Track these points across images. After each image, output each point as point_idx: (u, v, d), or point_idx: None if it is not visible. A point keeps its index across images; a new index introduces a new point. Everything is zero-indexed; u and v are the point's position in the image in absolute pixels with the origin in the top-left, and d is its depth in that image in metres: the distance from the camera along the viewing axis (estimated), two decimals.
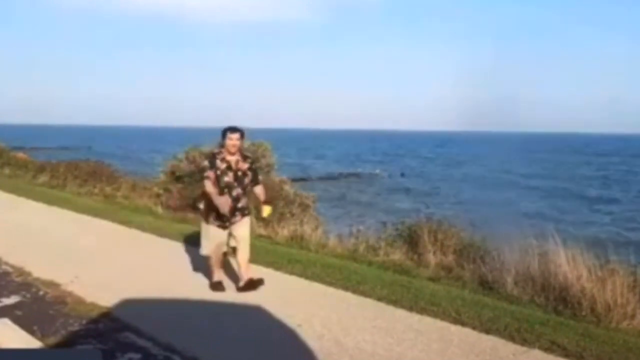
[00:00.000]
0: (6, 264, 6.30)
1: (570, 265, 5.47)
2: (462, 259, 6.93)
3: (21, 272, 5.96)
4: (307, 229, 8.24)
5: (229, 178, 5.18)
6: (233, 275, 5.71)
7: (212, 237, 5.28)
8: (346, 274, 6.00)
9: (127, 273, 6.07)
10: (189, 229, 8.73)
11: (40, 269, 5.97)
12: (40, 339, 4.05)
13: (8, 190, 12.96)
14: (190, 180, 10.65)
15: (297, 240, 7.95)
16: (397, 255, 7.21)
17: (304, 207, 10.87)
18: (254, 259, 6.60)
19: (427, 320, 4.70)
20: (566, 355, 4.01)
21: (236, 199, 5.20)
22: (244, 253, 5.32)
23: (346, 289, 5.53)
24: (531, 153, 69.72)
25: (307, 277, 5.93)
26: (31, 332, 4.14)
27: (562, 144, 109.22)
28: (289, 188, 11.05)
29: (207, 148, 10.95)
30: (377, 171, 44.04)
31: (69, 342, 4.08)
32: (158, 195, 11.28)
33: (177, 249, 7.38)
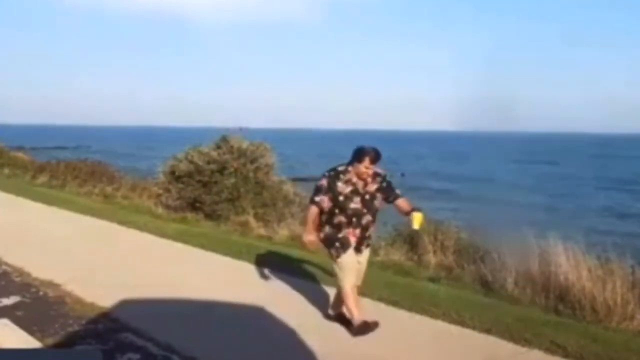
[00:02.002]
0: (5, 264, 6.29)
1: (570, 265, 5.46)
2: (462, 259, 6.92)
3: (20, 272, 5.95)
4: None
5: (356, 204, 4.29)
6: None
7: (350, 266, 4.37)
8: None
9: (127, 273, 6.06)
10: (188, 229, 8.74)
11: (40, 269, 5.96)
12: (40, 339, 4.05)
13: (7, 190, 12.95)
14: (189, 181, 10.63)
15: (297, 240, 7.93)
16: (397, 255, 7.20)
17: (304, 207, 10.84)
18: (253, 259, 6.60)
19: (427, 321, 4.70)
20: (566, 356, 4.00)
21: (365, 228, 4.37)
22: (356, 288, 4.56)
23: None
24: (530, 154, 69.71)
25: (306, 278, 5.92)
26: (31, 333, 4.13)
27: (559, 144, 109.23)
28: (289, 188, 11.03)
29: (206, 148, 10.93)
30: None
31: (69, 342, 4.08)
32: (158, 196, 11.27)
33: (177, 249, 7.38)
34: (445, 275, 6.43)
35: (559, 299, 5.32)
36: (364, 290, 5.44)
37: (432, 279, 6.20)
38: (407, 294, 5.36)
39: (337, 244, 4.35)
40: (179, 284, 5.64)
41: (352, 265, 4.39)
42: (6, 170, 17.51)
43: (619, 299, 4.95)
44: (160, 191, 11.21)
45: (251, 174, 10.45)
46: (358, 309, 4.41)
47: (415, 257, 7.29)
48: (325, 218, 4.37)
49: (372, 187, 4.36)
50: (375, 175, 4.37)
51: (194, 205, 10.47)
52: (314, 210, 4.32)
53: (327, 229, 4.38)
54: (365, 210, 4.35)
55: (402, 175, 43.31)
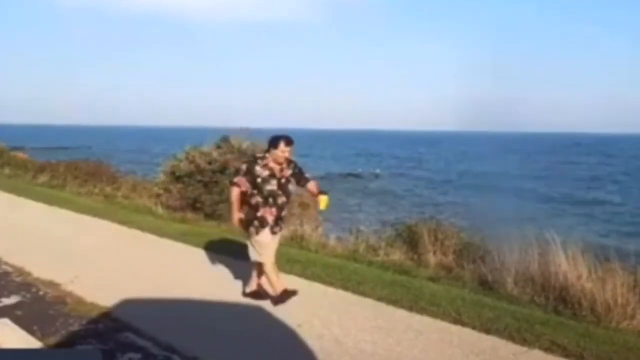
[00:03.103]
0: (6, 264, 6.30)
1: (570, 265, 5.47)
2: (462, 259, 6.94)
3: (21, 272, 5.97)
4: (307, 228, 8.24)
5: (272, 186, 4.85)
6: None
7: (267, 242, 4.90)
8: (346, 274, 6.00)
9: (127, 273, 6.07)
10: (189, 229, 8.75)
11: (40, 269, 5.97)
12: (40, 339, 4.05)
13: (8, 190, 12.96)
14: (190, 181, 10.64)
15: (297, 240, 7.95)
16: (397, 255, 7.21)
17: (304, 207, 10.87)
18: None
19: (427, 320, 4.71)
20: (566, 355, 4.01)
21: (280, 208, 4.92)
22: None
23: (346, 289, 5.53)
24: (530, 154, 69.67)
25: (307, 277, 5.93)
26: (31, 332, 4.14)
27: (560, 143, 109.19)
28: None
29: (207, 148, 10.95)
30: (377, 171, 44.04)
31: (69, 342, 4.08)
32: (158, 195, 11.28)
33: (178, 249, 7.38)
34: (445, 275, 6.44)
35: (559, 298, 5.33)
36: (364, 289, 5.49)
37: (432, 279, 6.21)
38: (407, 293, 5.37)
39: (256, 223, 4.87)
40: (179, 283, 5.65)
41: (270, 244, 4.93)
42: (7, 170, 17.53)
43: (619, 299, 4.95)
44: (161, 191, 11.22)
45: None
46: (279, 281, 5.04)
47: (415, 257, 7.31)
48: (245, 199, 4.89)
49: (287, 172, 4.95)
50: (289, 161, 4.96)
51: (194, 205, 10.48)
52: (235, 190, 4.85)
53: (245, 209, 4.90)
54: (280, 192, 4.91)
55: (402, 175, 43.38)
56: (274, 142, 4.85)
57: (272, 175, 4.85)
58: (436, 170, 48.92)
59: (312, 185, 5.05)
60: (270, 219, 4.88)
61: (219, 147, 10.88)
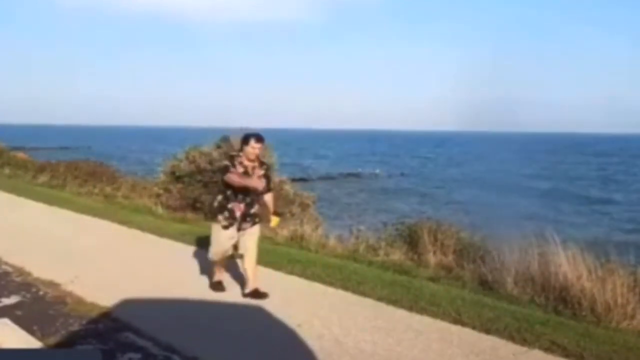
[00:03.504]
0: (6, 264, 6.30)
1: (570, 265, 5.47)
2: (462, 259, 6.94)
3: (21, 272, 5.96)
4: (307, 229, 8.24)
5: None
6: (238, 277, 5.72)
7: (221, 240, 5.17)
8: (346, 274, 6.01)
9: (127, 273, 6.07)
10: (189, 229, 8.74)
11: (40, 269, 5.97)
12: (40, 339, 4.05)
13: (8, 190, 12.96)
14: (190, 180, 10.65)
15: (297, 240, 7.95)
16: (397, 255, 7.21)
17: (304, 207, 10.88)
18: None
19: (427, 320, 4.71)
20: (566, 355, 4.01)
21: (249, 205, 5.14)
22: (250, 262, 5.21)
23: (346, 289, 5.53)
24: (530, 153, 69.67)
25: (307, 277, 5.93)
26: (31, 332, 4.14)
27: (561, 143, 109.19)
28: (288, 188, 11.05)
29: (207, 148, 10.95)
30: (377, 171, 44.05)
31: (69, 342, 4.08)
32: (158, 195, 11.28)
33: (177, 249, 7.38)
34: (445, 275, 6.44)
35: (559, 298, 5.33)
36: (364, 289, 5.49)
37: (432, 279, 6.21)
38: (407, 293, 5.37)
39: (226, 213, 5.10)
40: (179, 283, 5.65)
41: (224, 239, 5.15)
42: (7, 170, 17.53)
43: (619, 299, 4.96)
44: (161, 191, 11.23)
45: None
46: (219, 271, 5.47)
47: (415, 257, 7.31)
48: (220, 189, 5.18)
49: (260, 172, 5.16)
50: (262, 163, 5.24)
51: (194, 205, 10.48)
52: (233, 175, 4.98)
53: (219, 197, 5.14)
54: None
55: (402, 175, 43.36)
56: (245, 139, 5.12)
57: (246, 172, 5.08)
58: (436, 169, 48.93)
59: (268, 198, 5.28)
60: (238, 213, 5.10)
61: (219, 147, 10.88)
